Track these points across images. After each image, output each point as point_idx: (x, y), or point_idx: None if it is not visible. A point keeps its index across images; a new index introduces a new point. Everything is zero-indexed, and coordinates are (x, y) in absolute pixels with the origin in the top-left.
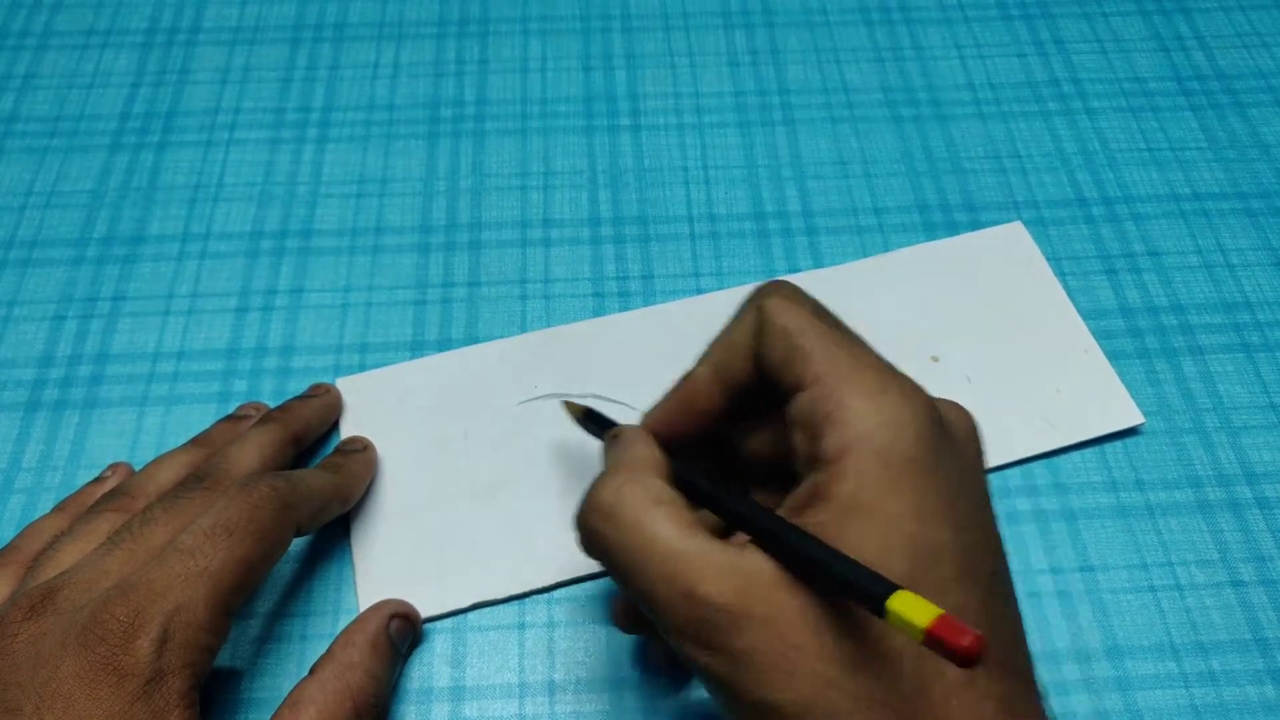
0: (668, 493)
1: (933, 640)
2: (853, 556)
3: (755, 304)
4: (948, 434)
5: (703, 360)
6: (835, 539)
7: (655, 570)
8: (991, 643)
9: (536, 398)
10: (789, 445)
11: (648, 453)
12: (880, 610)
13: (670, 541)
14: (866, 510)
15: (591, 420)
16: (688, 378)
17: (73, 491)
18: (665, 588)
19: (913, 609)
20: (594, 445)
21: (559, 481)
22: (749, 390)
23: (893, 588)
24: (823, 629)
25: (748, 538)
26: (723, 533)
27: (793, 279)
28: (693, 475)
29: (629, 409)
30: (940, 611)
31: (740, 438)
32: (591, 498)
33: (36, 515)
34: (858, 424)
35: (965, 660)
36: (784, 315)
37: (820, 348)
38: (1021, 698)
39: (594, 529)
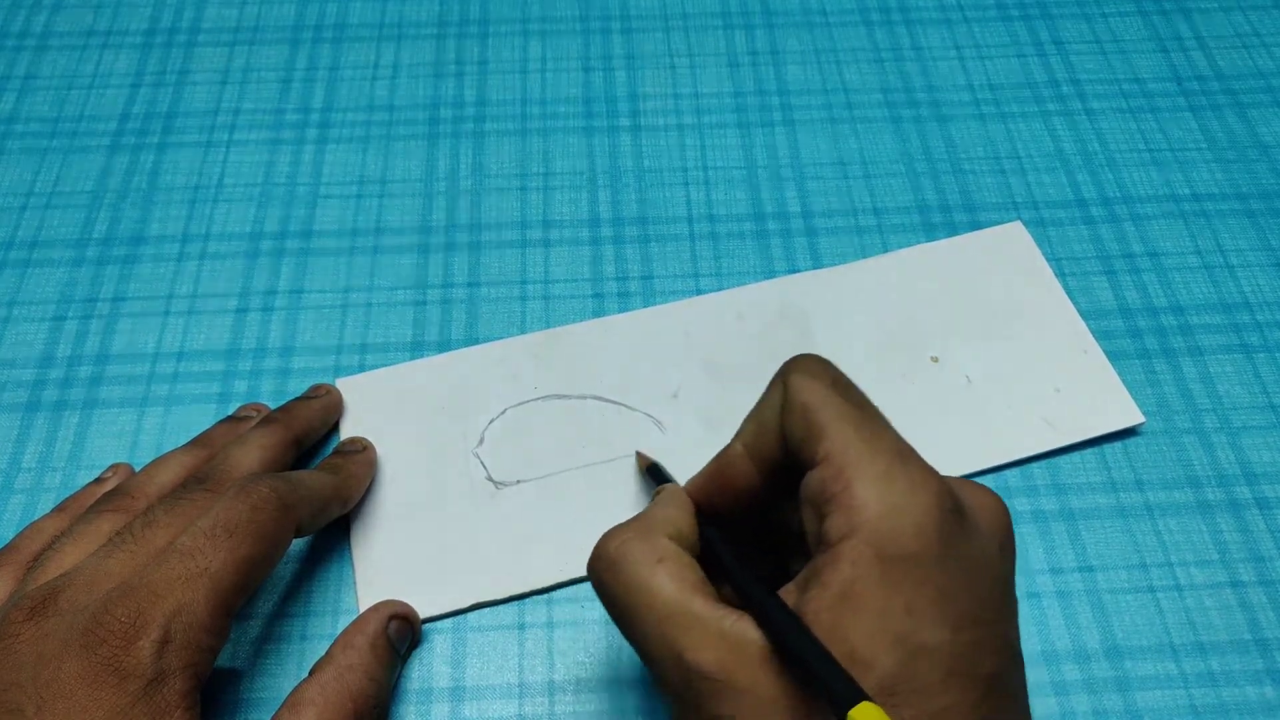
0: (671, 550)
1: None
2: (839, 648)
3: (782, 378)
4: (965, 524)
5: (737, 436)
6: (825, 626)
7: (649, 628)
8: None
9: (536, 398)
10: (802, 522)
11: (670, 513)
12: (842, 716)
13: (668, 602)
14: (858, 602)
15: (651, 475)
16: (723, 453)
17: (73, 492)
18: (658, 646)
19: None
20: (590, 446)
21: (559, 482)
22: (783, 466)
23: (860, 697)
24: (800, 711)
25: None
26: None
27: (793, 279)
28: (717, 543)
29: (629, 410)
30: None
31: (783, 510)
32: (599, 547)
33: (36, 515)
34: (861, 510)
35: None
36: (804, 391)
37: (834, 425)
38: None
39: (599, 577)
